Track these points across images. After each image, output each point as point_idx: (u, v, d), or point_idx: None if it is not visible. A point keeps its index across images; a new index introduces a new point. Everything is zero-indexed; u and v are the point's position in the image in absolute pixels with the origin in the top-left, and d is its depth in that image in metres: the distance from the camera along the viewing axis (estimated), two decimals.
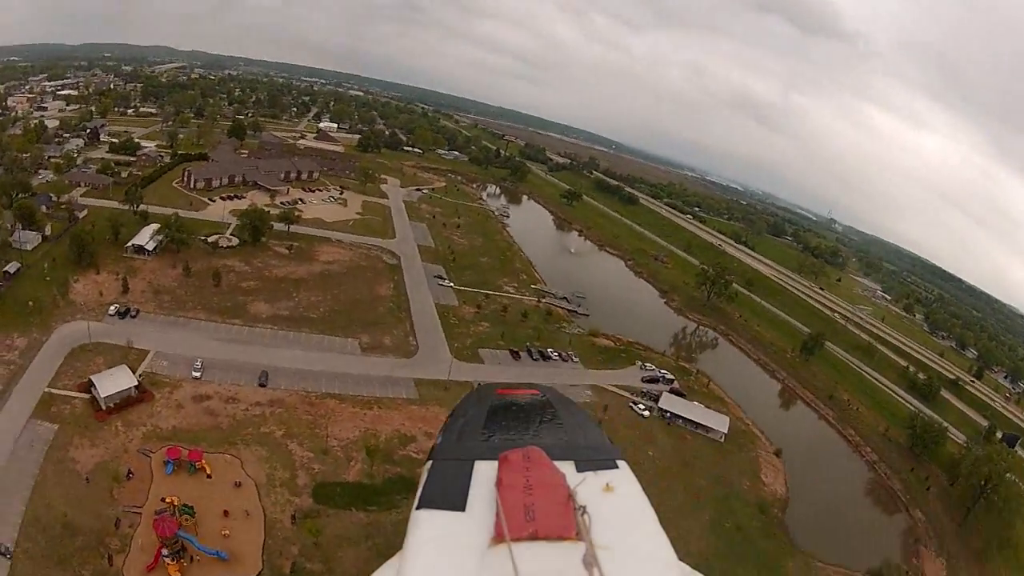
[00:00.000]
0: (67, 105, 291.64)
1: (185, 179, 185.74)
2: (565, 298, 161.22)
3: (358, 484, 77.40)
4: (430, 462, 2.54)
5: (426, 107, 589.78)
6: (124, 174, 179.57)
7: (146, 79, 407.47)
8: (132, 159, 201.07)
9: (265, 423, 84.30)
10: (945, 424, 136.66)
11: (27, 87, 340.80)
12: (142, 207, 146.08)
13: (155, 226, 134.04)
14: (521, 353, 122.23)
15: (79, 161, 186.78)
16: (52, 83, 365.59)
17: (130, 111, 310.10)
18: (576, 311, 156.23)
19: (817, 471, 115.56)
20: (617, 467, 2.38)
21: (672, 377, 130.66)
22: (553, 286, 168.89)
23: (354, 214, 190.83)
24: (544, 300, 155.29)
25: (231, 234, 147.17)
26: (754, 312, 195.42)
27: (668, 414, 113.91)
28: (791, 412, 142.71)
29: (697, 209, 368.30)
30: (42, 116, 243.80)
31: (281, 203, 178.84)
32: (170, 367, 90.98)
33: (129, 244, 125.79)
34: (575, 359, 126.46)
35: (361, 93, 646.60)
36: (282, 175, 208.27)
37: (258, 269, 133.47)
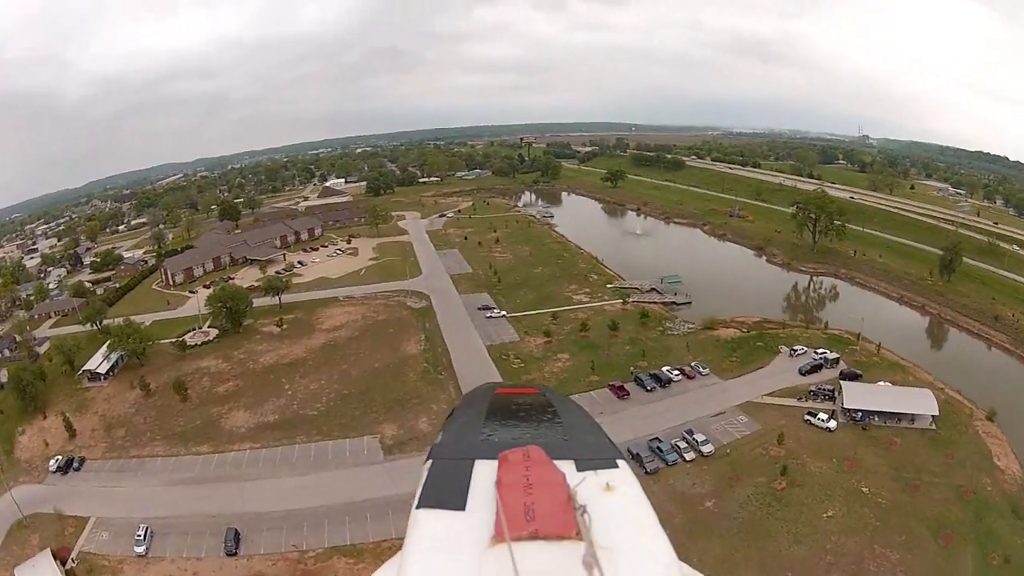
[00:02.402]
0: (58, 241, 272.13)
1: (163, 277, 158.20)
2: (654, 289, 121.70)
3: None
4: (430, 461, 2.46)
5: (439, 142, 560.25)
6: (100, 291, 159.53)
7: (141, 194, 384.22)
8: (111, 273, 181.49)
9: None
10: None
11: (19, 236, 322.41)
12: (106, 323, 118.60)
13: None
14: (628, 385, 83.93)
15: (54, 291, 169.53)
16: (46, 225, 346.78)
17: (121, 227, 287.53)
18: (675, 301, 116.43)
19: None
20: (617, 466, 2.27)
21: (835, 355, 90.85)
22: (634, 278, 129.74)
23: (367, 261, 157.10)
24: (631, 300, 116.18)
25: (210, 326, 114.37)
26: (868, 244, 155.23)
27: (859, 414, 76.24)
28: (963, 350, 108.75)
29: (742, 158, 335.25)
30: (26, 258, 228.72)
31: (276, 272, 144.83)
32: (111, 540, 63.27)
33: (82, 371, 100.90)
34: (703, 370, 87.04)
35: (369, 148, 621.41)
36: (277, 242, 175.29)
37: (240, 363, 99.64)
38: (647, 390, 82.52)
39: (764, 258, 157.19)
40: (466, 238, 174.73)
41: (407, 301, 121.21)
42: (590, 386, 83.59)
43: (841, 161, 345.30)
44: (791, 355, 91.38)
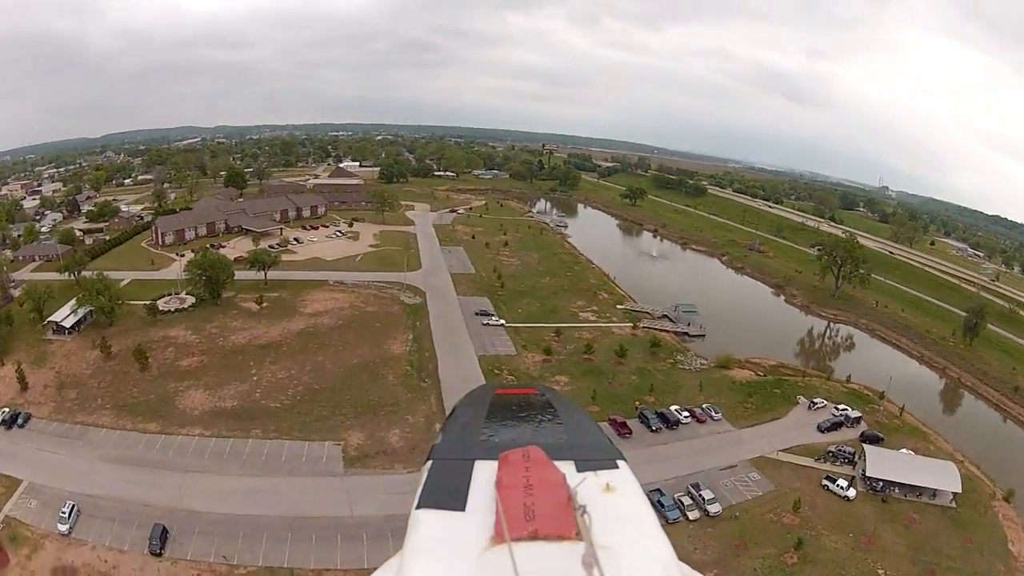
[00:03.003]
0: (63, 186, 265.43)
1: (154, 236, 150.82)
2: (667, 316, 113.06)
3: None
4: (430, 462, 2.48)
5: (459, 140, 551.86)
6: (90, 241, 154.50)
7: (153, 151, 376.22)
8: (104, 225, 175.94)
9: None
10: None
11: (27, 177, 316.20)
12: (84, 274, 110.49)
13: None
14: (631, 422, 74.85)
15: (44, 235, 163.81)
16: (55, 169, 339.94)
17: (128, 181, 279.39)
18: (688, 332, 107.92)
19: None
20: (617, 467, 2.29)
21: (857, 413, 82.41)
22: (646, 302, 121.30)
23: (366, 247, 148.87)
24: (641, 324, 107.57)
25: (188, 293, 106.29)
26: (889, 295, 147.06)
27: (880, 484, 67.95)
28: (983, 420, 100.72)
29: (763, 192, 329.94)
30: (26, 199, 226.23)
31: (269, 246, 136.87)
32: (38, 510, 56.68)
33: (47, 322, 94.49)
34: (715, 414, 78.12)
35: (390, 136, 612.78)
36: (277, 215, 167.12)
37: (209, 337, 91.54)
38: (652, 430, 73.51)
39: (783, 297, 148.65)
40: (474, 237, 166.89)
41: (400, 295, 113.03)
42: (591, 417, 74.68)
43: (861, 208, 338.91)
44: (810, 408, 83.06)
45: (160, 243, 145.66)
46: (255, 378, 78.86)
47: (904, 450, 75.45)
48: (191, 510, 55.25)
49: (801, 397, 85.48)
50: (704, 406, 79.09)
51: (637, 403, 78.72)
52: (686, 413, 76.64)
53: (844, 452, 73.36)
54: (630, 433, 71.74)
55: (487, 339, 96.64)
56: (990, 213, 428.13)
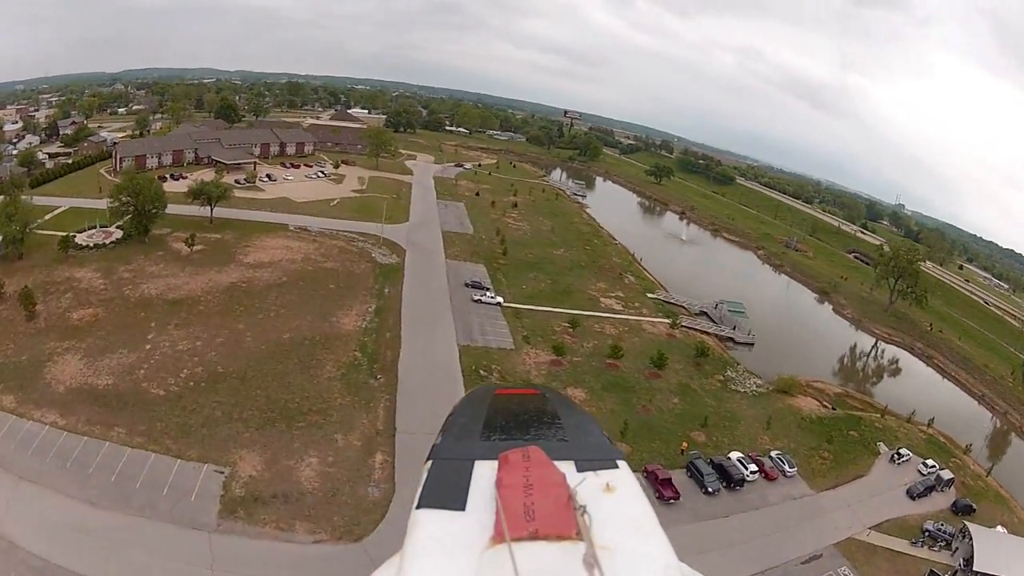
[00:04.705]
0: (58, 111, 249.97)
1: (113, 161, 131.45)
2: (706, 313, 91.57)
3: None
4: (430, 462, 2.49)
5: (478, 105, 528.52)
6: (50, 164, 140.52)
7: (156, 85, 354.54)
8: (72, 150, 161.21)
9: None
10: None
11: (28, 103, 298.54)
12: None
13: None
14: (676, 476, 51.87)
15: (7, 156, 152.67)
16: (59, 97, 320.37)
17: (122, 110, 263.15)
18: (734, 338, 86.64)
19: None
20: (617, 467, 2.29)
21: (950, 474, 61.17)
22: (676, 292, 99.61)
23: (349, 192, 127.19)
24: (681, 323, 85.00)
25: (118, 225, 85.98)
26: (940, 318, 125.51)
27: None
28: None
29: (791, 189, 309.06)
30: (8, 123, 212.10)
31: (236, 181, 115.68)
32: None
33: None
34: (789, 468, 55.94)
35: (408, 95, 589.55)
36: (256, 149, 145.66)
37: (117, 284, 70.83)
38: (706, 491, 50.71)
39: (830, 306, 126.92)
40: (478, 194, 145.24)
41: (373, 251, 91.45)
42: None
43: (885, 222, 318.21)
44: (894, 460, 61.86)
45: (117, 170, 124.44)
46: (148, 346, 57.74)
47: (1000, 527, 55.41)
48: (9, 540, 35.95)
49: (882, 444, 64.40)
50: (774, 455, 57.46)
51: (684, 445, 56.05)
52: (753, 467, 54.15)
53: (944, 532, 52.60)
54: (676, 497, 49.10)
55: (476, 322, 74.20)
56: (1004, 246, 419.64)
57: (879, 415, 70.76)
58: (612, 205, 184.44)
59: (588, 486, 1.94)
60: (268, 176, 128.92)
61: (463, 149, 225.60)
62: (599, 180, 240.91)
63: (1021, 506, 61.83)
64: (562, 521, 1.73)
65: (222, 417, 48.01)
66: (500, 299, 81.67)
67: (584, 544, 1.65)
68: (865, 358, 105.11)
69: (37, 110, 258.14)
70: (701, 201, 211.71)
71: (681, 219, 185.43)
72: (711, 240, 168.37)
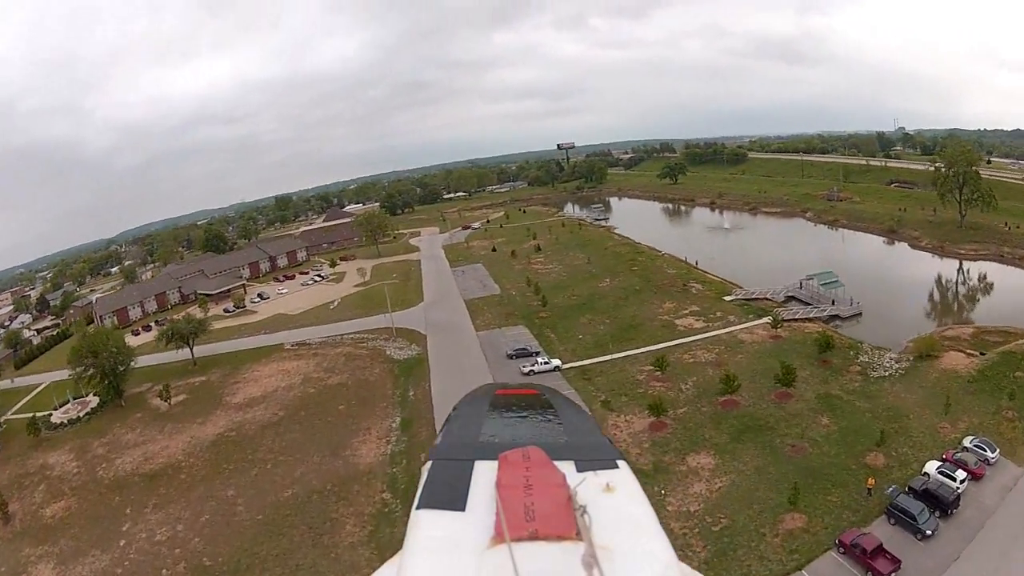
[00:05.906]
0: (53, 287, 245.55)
1: (95, 320, 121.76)
2: (795, 297, 75.64)
3: None
4: (430, 462, 2.39)
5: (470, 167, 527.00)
6: (38, 340, 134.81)
7: (144, 238, 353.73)
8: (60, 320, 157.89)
9: None
10: None
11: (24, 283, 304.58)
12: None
13: None
14: (876, 529, 35.38)
15: None
16: (51, 272, 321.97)
17: (114, 269, 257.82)
18: (839, 315, 70.32)
19: None
20: (617, 467, 2.20)
21: None
22: (751, 284, 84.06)
23: (351, 288, 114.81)
24: (781, 318, 67.68)
25: (95, 392, 73.75)
26: (1008, 215, 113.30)
27: None
28: None
29: (803, 147, 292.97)
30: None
31: (225, 310, 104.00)
32: None
33: None
34: (991, 454, 40.00)
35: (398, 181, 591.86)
36: (245, 271, 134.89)
37: (92, 464, 58.71)
38: (921, 533, 34.50)
39: (904, 243, 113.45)
40: (494, 249, 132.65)
41: (387, 347, 77.25)
42: (796, 556, 34.33)
43: (897, 148, 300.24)
44: None
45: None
46: (123, 541, 44.18)
47: None
48: None
49: None
50: (969, 442, 41.12)
51: (870, 481, 39.18)
52: (961, 473, 37.97)
53: None
54: (897, 567, 32.33)
55: None
56: (1010, 129, 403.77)
57: None
58: (638, 218, 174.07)
59: (588, 486, 1.90)
60: (260, 295, 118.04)
61: (466, 211, 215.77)
62: (614, 200, 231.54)
63: None
64: (562, 521, 1.70)
65: None
66: (557, 361, 66.00)
67: (584, 544, 1.62)
68: (966, 284, 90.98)
69: (33, 288, 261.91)
70: (724, 186, 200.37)
71: (713, 209, 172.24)
72: (753, 220, 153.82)
